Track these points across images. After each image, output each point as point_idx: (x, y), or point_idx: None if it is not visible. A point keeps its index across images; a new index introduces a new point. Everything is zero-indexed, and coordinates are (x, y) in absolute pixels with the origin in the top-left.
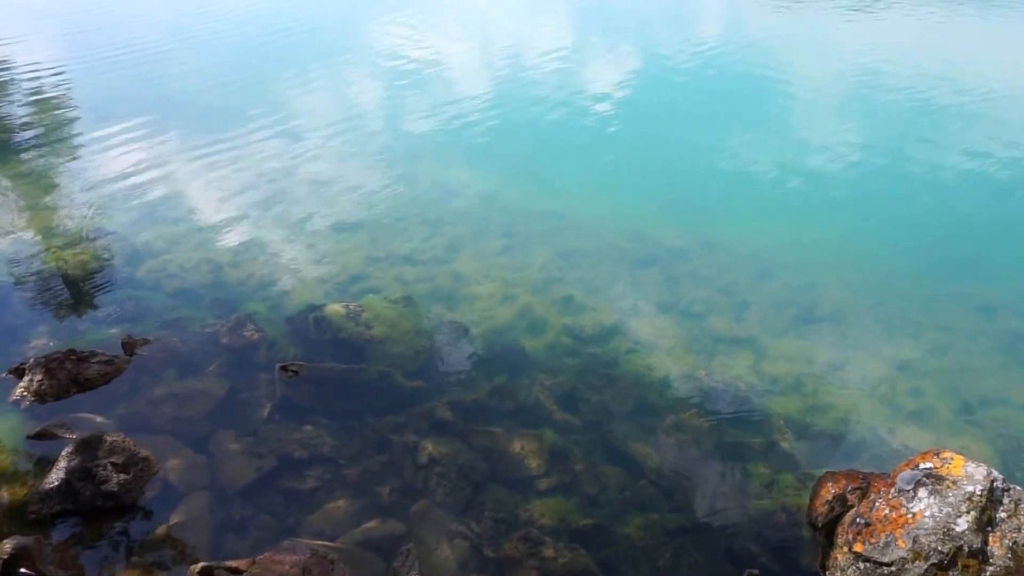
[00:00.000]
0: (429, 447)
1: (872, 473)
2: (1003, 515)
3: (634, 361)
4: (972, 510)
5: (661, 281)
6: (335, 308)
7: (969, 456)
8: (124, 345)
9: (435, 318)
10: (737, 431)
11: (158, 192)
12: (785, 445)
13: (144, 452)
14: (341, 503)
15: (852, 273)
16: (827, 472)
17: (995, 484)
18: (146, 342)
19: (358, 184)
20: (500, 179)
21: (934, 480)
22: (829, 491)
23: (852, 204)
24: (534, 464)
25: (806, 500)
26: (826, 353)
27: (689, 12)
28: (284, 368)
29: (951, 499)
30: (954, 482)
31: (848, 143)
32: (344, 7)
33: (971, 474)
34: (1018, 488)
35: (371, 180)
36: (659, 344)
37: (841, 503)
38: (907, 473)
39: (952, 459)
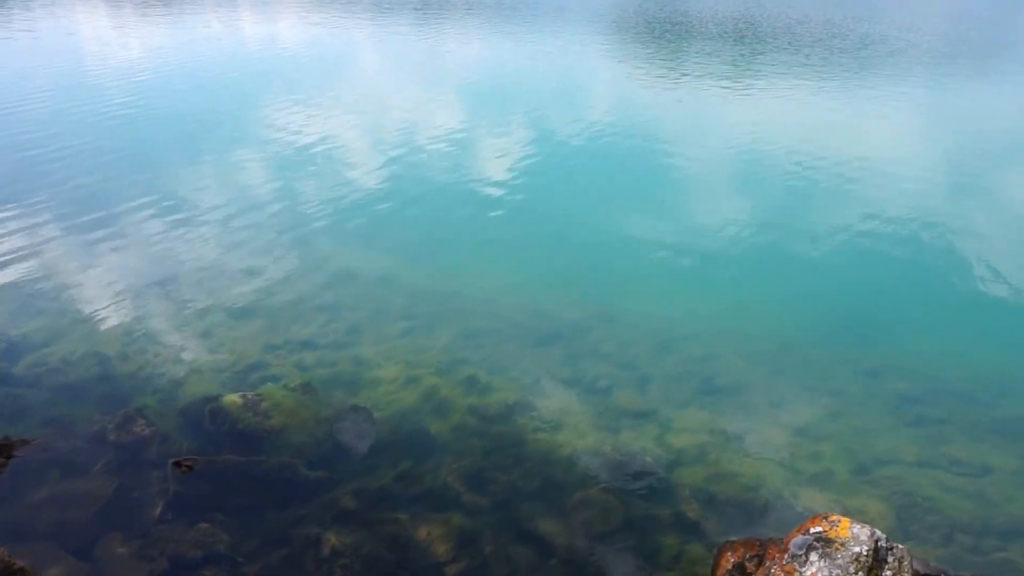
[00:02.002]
0: (332, 539)
1: (770, 539)
2: (888, 573)
3: (541, 439)
4: (860, 571)
5: (564, 357)
6: (232, 398)
7: (863, 517)
8: None
9: (337, 404)
10: (645, 504)
11: (38, 281)
12: (692, 515)
13: (21, 563)
14: None
15: (748, 343)
16: (727, 541)
17: (879, 544)
18: (24, 443)
19: (253, 269)
20: (399, 260)
21: (824, 543)
22: (729, 560)
23: (744, 276)
24: (441, 550)
25: None
26: (727, 422)
27: (579, 92)
28: (177, 463)
29: (840, 561)
30: (842, 544)
31: (737, 217)
32: (231, 84)
33: (857, 535)
34: (900, 546)
35: (266, 265)
36: (565, 421)
37: (740, 571)
38: (799, 538)
39: (839, 522)
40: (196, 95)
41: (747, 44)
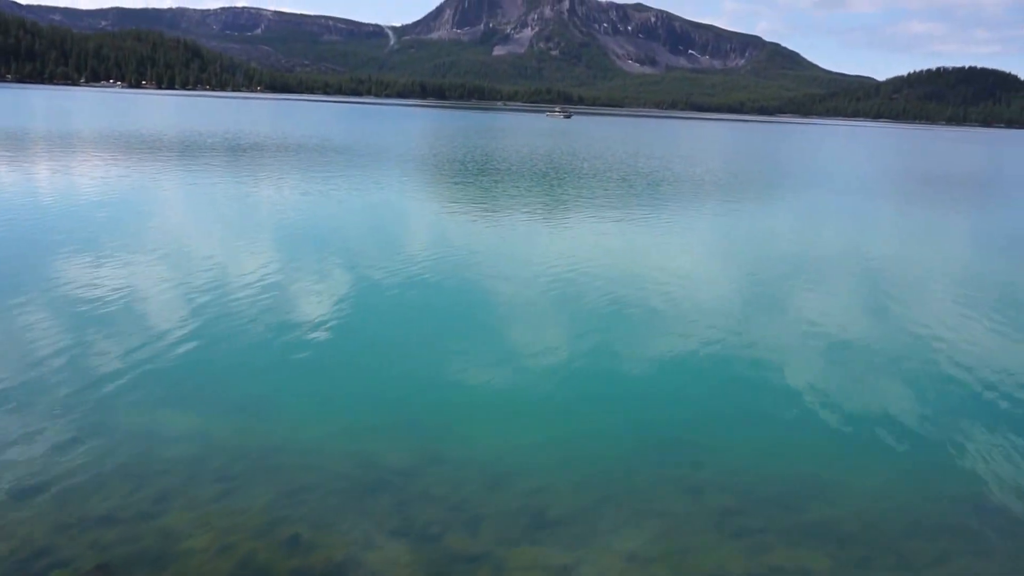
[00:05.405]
0: None
1: None
2: None
3: None
4: None
5: (392, 505)
6: None
7: None
8: None
9: None
10: None
11: None
12: None
13: None
14: None
15: (576, 472)
16: None
17: None
18: None
19: (39, 438)
20: (213, 418)
21: None
22: None
23: (568, 405)
24: None
25: None
26: (561, 556)
27: (396, 231)
28: None
29: None
30: None
31: (556, 345)
32: (12, 239)
33: None
34: None
35: (55, 433)
36: (395, 573)
37: None
38: None
39: None
40: None
41: (550, 180)
